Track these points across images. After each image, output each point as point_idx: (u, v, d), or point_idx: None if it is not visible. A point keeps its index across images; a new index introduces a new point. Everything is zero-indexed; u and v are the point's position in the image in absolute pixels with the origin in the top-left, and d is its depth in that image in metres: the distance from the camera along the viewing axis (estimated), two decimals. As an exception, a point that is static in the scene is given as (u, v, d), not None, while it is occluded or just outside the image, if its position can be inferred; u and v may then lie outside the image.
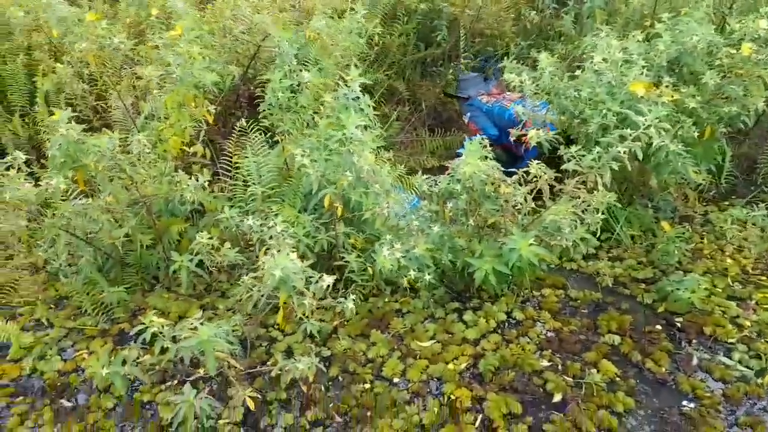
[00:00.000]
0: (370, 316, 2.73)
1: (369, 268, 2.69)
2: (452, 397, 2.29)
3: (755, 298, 2.84)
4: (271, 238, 2.36)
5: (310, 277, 2.13)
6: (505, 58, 3.52)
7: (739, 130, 3.27)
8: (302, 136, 2.69)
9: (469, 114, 4.16)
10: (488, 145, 2.43)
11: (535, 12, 4.85)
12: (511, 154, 3.93)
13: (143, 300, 2.87)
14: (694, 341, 2.60)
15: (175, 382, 2.36)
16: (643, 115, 2.30)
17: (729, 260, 3.13)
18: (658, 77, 2.92)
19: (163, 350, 2.10)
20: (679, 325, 2.70)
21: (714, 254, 3.18)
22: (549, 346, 2.56)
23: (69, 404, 2.29)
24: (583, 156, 2.32)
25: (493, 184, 2.30)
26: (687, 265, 3.09)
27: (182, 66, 2.55)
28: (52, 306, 2.85)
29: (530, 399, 2.29)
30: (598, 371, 2.38)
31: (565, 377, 2.39)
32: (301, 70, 2.67)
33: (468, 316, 2.72)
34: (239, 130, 3.06)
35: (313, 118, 2.57)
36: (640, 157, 2.22)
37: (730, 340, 2.58)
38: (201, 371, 2.37)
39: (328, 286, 2.12)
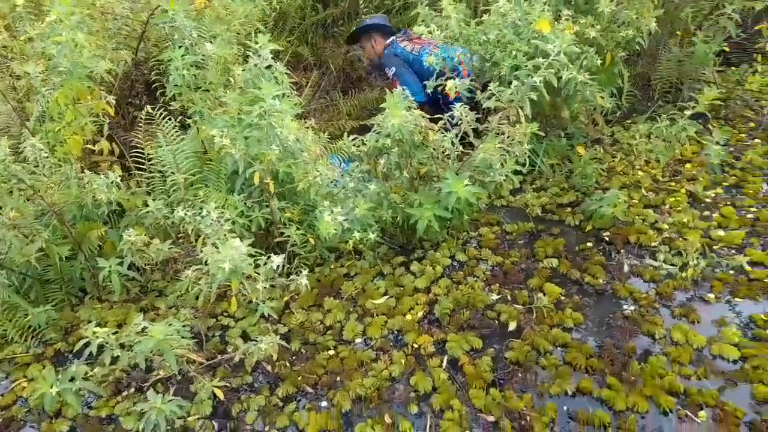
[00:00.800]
0: (319, 286, 2.72)
1: (310, 239, 2.65)
2: (415, 345, 2.34)
3: (668, 202, 3.10)
4: (206, 226, 2.25)
5: (258, 259, 2.07)
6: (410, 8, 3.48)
7: (634, 51, 3.48)
8: (216, 115, 2.55)
9: (394, 69, 3.73)
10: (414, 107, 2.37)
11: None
12: (437, 106, 3.72)
13: (74, 315, 2.67)
14: (622, 251, 2.81)
15: (132, 390, 2.24)
16: (550, 49, 2.38)
17: (641, 173, 3.38)
18: (557, 11, 3.03)
19: (114, 360, 1.98)
20: (606, 238, 2.90)
21: (627, 170, 3.43)
22: (495, 281, 2.67)
23: (17, 438, 2.12)
24: (502, 91, 2.38)
25: (420, 133, 2.31)
26: (604, 183, 3.31)
27: (68, 56, 2.31)
28: (-29, 341, 2.59)
29: (488, 332, 2.39)
30: (544, 294, 2.51)
31: (516, 306, 2.51)
32: (203, 44, 2.51)
33: (415, 266, 2.77)
34: (146, 118, 2.86)
35: (226, 94, 2.44)
36: (555, 84, 2.31)
37: (653, 244, 2.81)
38: (155, 375, 2.27)
39: (278, 266, 2.07)
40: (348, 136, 2.68)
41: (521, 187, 3.34)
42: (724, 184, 3.24)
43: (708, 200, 3.11)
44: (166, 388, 2.23)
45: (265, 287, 2.03)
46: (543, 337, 2.31)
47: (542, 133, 2.55)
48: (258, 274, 2.03)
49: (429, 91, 3.08)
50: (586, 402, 2.05)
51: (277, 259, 2.05)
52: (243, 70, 2.42)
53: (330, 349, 2.37)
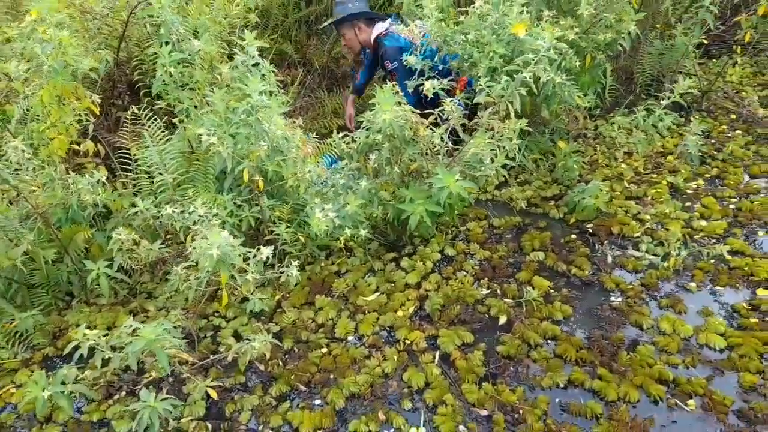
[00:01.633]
0: (310, 284, 2.72)
1: (300, 237, 2.65)
2: (407, 341, 2.36)
3: (650, 194, 3.15)
4: (194, 223, 2.24)
5: (247, 252, 2.06)
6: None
7: (615, 52, 3.51)
8: (203, 114, 2.53)
9: (396, 65, 3.45)
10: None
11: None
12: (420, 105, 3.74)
13: (62, 320, 2.64)
14: (605, 242, 2.85)
15: (123, 393, 2.23)
16: (539, 45, 2.40)
17: (623, 165, 3.43)
18: (539, 11, 3.05)
19: (105, 362, 1.97)
20: (590, 230, 2.94)
21: (609, 162, 3.48)
22: (484, 275, 2.69)
23: (8, 445, 2.09)
24: (492, 86, 2.40)
25: (411, 128, 2.32)
26: (587, 176, 3.35)
27: (53, 54, 2.27)
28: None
29: (478, 327, 2.42)
30: (533, 288, 2.55)
31: (505, 300, 2.53)
32: (190, 40, 2.47)
33: (405, 262, 2.78)
34: (132, 118, 2.83)
35: (213, 92, 2.42)
36: (543, 79, 2.33)
37: (636, 235, 2.86)
38: (147, 376, 2.26)
39: (267, 257, 2.07)
40: (338, 134, 2.68)
41: (506, 181, 3.38)
42: (706, 175, 3.31)
43: (690, 191, 3.17)
44: (158, 390, 2.22)
45: (255, 278, 2.02)
46: (533, 330, 2.34)
47: (529, 129, 2.56)
48: (248, 266, 2.03)
49: (410, 90, 3.07)
50: (578, 394, 2.08)
51: (266, 250, 2.05)
52: (230, 68, 2.40)
53: (322, 347, 2.38)
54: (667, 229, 2.82)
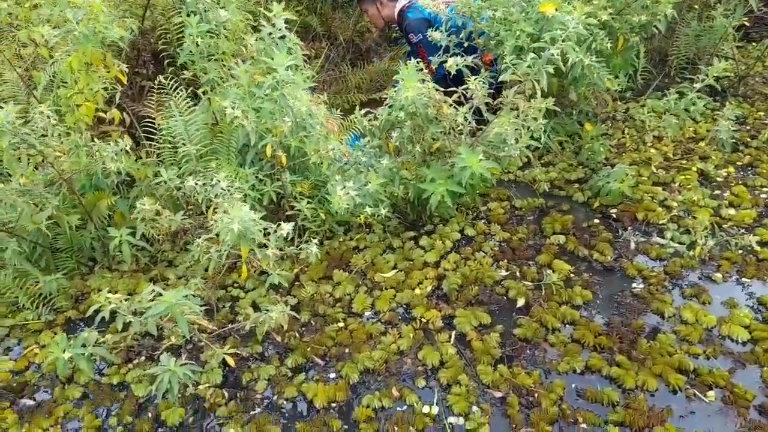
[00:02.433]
0: (329, 258, 2.72)
1: (321, 213, 2.65)
2: (423, 319, 2.35)
3: (678, 180, 3.07)
4: (216, 196, 2.25)
5: (267, 228, 2.07)
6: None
7: (650, 33, 3.39)
8: (228, 86, 2.52)
9: (421, 36, 3.29)
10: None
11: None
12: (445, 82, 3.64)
13: (84, 284, 2.69)
14: (629, 228, 2.80)
15: (143, 358, 2.27)
16: (567, 21, 2.33)
17: (652, 150, 3.34)
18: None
19: (126, 326, 2.00)
20: (614, 215, 2.89)
21: (637, 146, 3.39)
22: (504, 257, 2.67)
23: (32, 402, 2.15)
24: (518, 64, 2.34)
25: (434, 106, 2.28)
26: (614, 159, 3.28)
27: (84, 21, 2.27)
28: (-17, 308, 2.61)
29: (496, 308, 2.40)
30: (553, 271, 2.51)
31: (524, 282, 2.51)
32: (216, 10, 2.45)
33: (424, 241, 2.77)
34: (158, 88, 2.83)
35: (237, 65, 2.40)
36: (572, 60, 2.26)
37: (661, 222, 2.80)
38: (166, 342, 2.29)
39: (288, 233, 2.07)
40: (360, 110, 2.65)
41: (530, 162, 3.32)
42: (738, 163, 3.21)
43: (720, 179, 3.08)
44: (177, 356, 2.26)
45: (275, 254, 2.03)
46: (551, 314, 2.32)
47: (557, 109, 2.49)
48: (268, 241, 2.04)
49: (434, 67, 3.01)
50: (595, 380, 2.06)
51: (287, 227, 2.05)
52: (256, 40, 2.37)
53: (339, 321, 2.39)
54: (695, 217, 2.75)
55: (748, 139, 3.38)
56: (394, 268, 2.64)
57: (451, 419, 1.95)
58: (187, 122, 2.69)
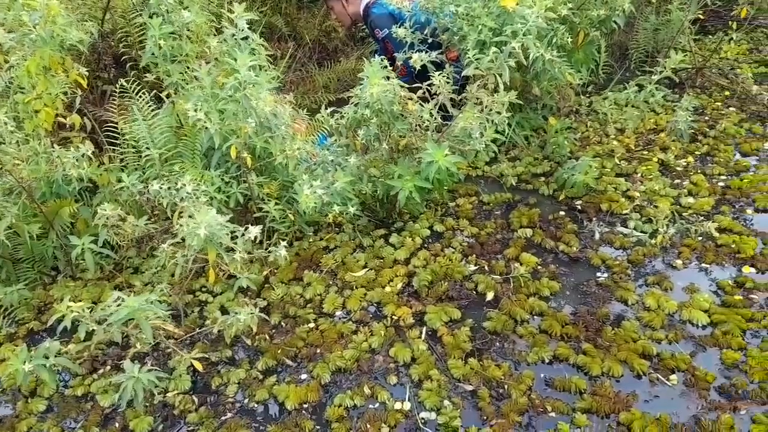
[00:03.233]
0: (298, 259, 2.71)
1: (289, 214, 2.64)
2: (394, 317, 2.36)
3: (640, 171, 3.14)
4: (182, 199, 2.22)
5: (234, 231, 2.05)
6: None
7: (610, 29, 3.46)
8: (191, 89, 2.48)
9: (387, 31, 3.33)
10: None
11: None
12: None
13: (47, 294, 2.63)
14: (594, 219, 2.85)
15: (108, 368, 2.23)
16: (527, 14, 2.36)
17: (615, 142, 3.41)
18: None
19: (89, 335, 1.96)
20: (579, 207, 2.94)
21: (601, 139, 3.46)
22: (472, 252, 2.69)
23: (-6, 418, 2.09)
24: (481, 59, 2.36)
25: (399, 103, 2.29)
26: (578, 152, 3.34)
27: (41, 24, 2.21)
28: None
29: (466, 303, 2.42)
30: (521, 264, 2.55)
31: (493, 276, 2.54)
32: (179, 12, 2.41)
33: (394, 238, 2.78)
34: (120, 92, 2.78)
35: (200, 66, 2.37)
36: (533, 55, 2.30)
37: (624, 212, 2.86)
38: (132, 351, 2.25)
39: (255, 237, 2.06)
40: (326, 109, 2.64)
41: (496, 157, 3.36)
42: (697, 152, 3.30)
43: (679, 168, 3.17)
44: (143, 363, 2.22)
45: (243, 257, 2.01)
46: (520, 306, 2.35)
47: (521, 103, 2.52)
48: (236, 244, 2.02)
49: (399, 63, 3.01)
50: (563, 369, 2.10)
51: (254, 230, 2.04)
52: (219, 42, 2.35)
53: (310, 322, 2.38)
54: (656, 206, 2.82)
55: (706, 129, 3.48)
56: (365, 266, 2.64)
57: (424, 414, 1.97)
58: (151, 126, 2.65)
